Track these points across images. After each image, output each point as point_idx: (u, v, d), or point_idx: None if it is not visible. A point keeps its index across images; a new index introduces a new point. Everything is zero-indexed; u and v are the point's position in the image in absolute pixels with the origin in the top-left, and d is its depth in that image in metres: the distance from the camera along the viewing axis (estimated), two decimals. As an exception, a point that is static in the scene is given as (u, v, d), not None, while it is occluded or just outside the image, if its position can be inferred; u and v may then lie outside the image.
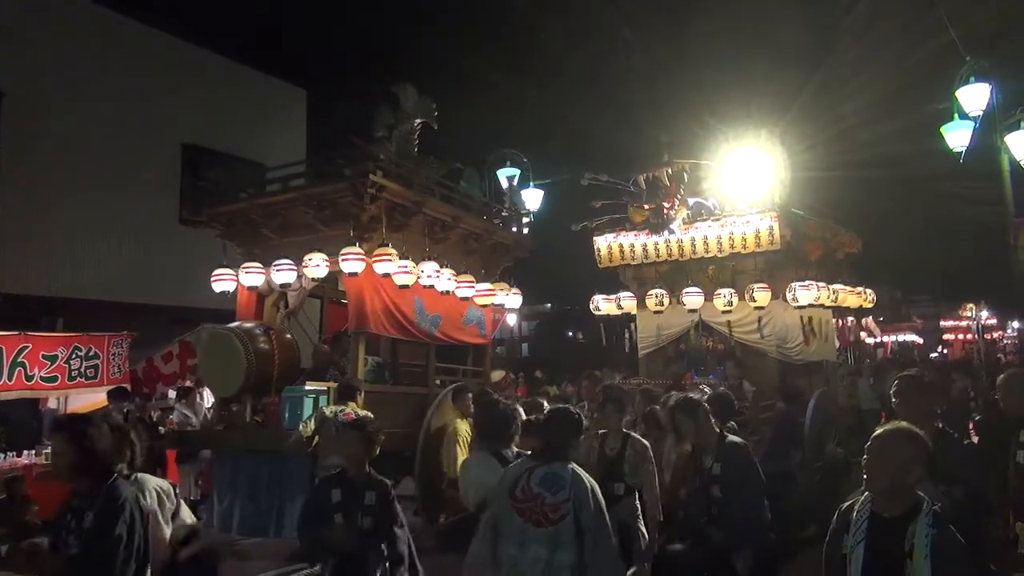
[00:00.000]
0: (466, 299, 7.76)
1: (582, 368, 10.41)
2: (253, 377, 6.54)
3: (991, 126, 8.73)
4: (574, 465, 3.28)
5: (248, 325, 6.96)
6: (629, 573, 4.11)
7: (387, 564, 3.78)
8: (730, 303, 8.89)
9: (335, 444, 5.16)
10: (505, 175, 10.54)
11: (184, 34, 15.30)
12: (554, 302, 37.45)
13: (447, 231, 7.79)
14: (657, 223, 9.24)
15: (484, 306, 8.18)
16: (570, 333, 37.19)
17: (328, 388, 6.45)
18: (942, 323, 33.30)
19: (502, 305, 8.54)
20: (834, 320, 10.86)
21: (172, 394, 10.60)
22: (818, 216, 10.15)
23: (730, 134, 9.01)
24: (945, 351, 31.12)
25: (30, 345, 9.04)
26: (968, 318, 30.29)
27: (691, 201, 9.27)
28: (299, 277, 6.98)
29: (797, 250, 9.35)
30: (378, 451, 3.99)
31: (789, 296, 8.85)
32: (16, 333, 9.05)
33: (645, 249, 9.63)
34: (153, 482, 3.89)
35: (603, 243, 9.96)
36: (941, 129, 8.63)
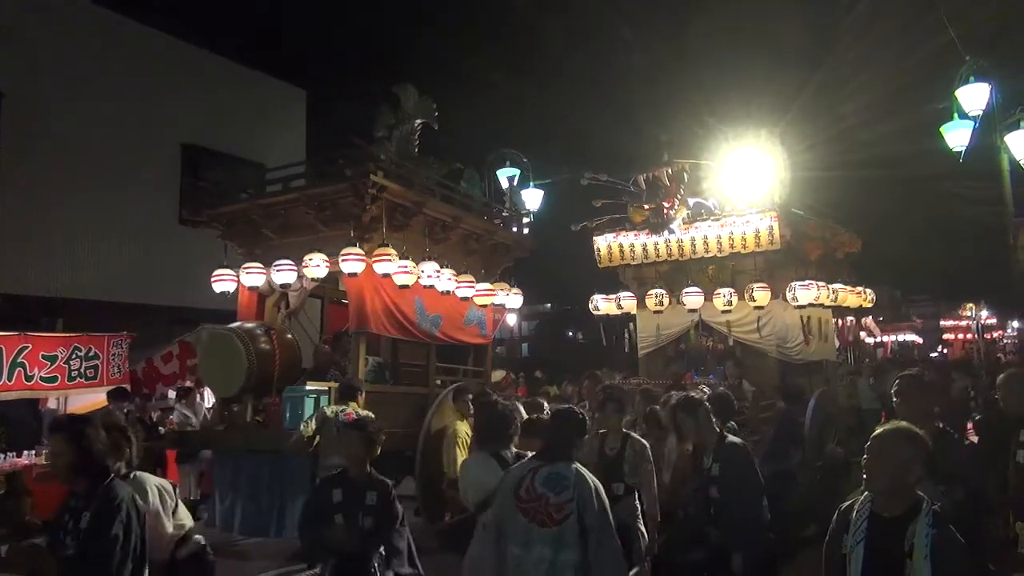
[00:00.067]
0: (466, 299, 7.76)
1: (582, 368, 10.41)
2: (254, 377, 6.55)
3: (991, 126, 8.74)
4: (578, 465, 3.29)
5: (249, 325, 6.96)
6: (631, 573, 4.12)
7: (387, 564, 3.78)
8: (729, 303, 8.89)
9: (336, 444, 5.17)
10: (505, 175, 10.55)
11: (184, 34, 15.30)
12: (554, 302, 37.46)
13: (448, 231, 7.79)
14: (657, 223, 9.25)
15: (484, 306, 8.18)
16: (570, 333, 37.20)
17: (329, 388, 6.46)
18: (942, 323, 33.34)
19: (502, 305, 8.54)
20: (834, 320, 10.87)
21: (172, 394, 10.60)
22: (818, 216, 10.16)
23: (730, 134, 9.02)
24: (945, 351, 31.16)
25: (30, 345, 9.05)
26: (968, 318, 30.33)
27: (691, 201, 9.28)
28: (300, 277, 6.99)
29: (797, 250, 9.36)
30: (379, 451, 3.99)
31: (789, 296, 8.85)
32: (16, 333, 9.06)
33: (645, 249, 9.64)
34: (153, 480, 3.91)
35: (603, 243, 9.97)
36: (941, 129, 8.64)
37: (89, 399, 9.52)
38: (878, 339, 22.44)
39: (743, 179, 8.74)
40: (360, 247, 6.55)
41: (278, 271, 6.76)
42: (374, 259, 6.61)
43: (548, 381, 12.92)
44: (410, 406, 7.22)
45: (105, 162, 13.06)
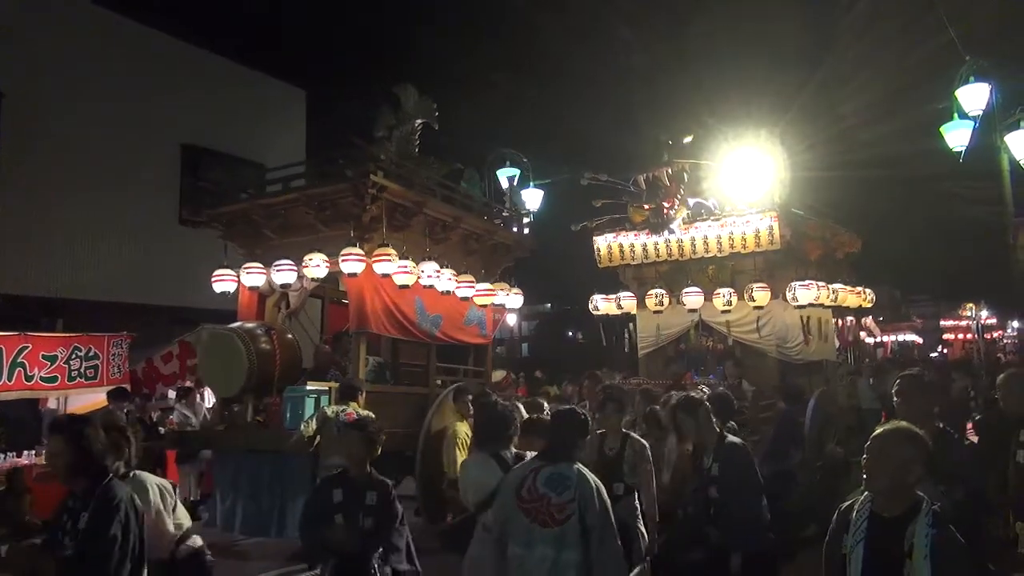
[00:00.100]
0: (466, 299, 7.76)
1: (582, 368, 10.41)
2: (255, 377, 6.55)
3: (991, 126, 8.74)
4: (579, 465, 3.30)
5: (250, 325, 6.97)
6: (632, 574, 4.12)
7: (385, 560, 3.78)
8: (729, 303, 8.90)
9: (337, 444, 5.17)
10: (505, 175, 10.55)
11: (184, 34, 15.31)
12: (554, 302, 37.46)
13: (448, 231, 7.79)
14: (657, 223, 9.25)
15: (484, 306, 8.18)
16: (570, 333, 37.21)
17: (329, 388, 6.46)
18: (942, 323, 33.35)
19: (502, 305, 8.54)
20: (834, 320, 10.87)
21: (172, 394, 10.61)
22: (818, 216, 10.17)
23: (730, 134, 9.02)
24: (945, 351, 31.16)
25: (30, 345, 9.05)
26: (968, 318, 30.34)
27: (691, 201, 9.28)
28: (300, 277, 6.99)
29: (797, 250, 9.36)
30: (379, 451, 4.00)
31: (789, 295, 8.86)
32: (16, 334, 9.06)
33: (645, 249, 9.64)
34: (154, 479, 3.92)
35: (603, 243, 9.97)
36: (941, 129, 8.64)
37: (89, 399, 9.53)
38: (878, 339, 22.45)
39: (743, 179, 8.74)
40: (360, 247, 6.56)
41: (278, 271, 6.77)
42: (374, 259, 6.62)
43: (548, 381, 12.92)
44: (410, 406, 7.22)
45: (105, 162, 13.06)
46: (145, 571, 2.91)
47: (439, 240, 7.66)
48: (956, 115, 8.44)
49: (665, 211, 9.17)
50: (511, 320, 15.65)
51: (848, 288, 10.27)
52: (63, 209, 12.47)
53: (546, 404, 5.96)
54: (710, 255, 9.22)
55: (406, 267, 6.79)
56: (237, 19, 27.82)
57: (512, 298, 8.58)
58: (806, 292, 8.80)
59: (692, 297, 9.07)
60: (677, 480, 5.21)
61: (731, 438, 4.44)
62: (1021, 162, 8.43)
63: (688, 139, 9.44)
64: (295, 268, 6.77)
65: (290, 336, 7.18)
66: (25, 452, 8.57)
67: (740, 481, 4.22)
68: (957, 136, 8.47)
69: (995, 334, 32.75)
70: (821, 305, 9.56)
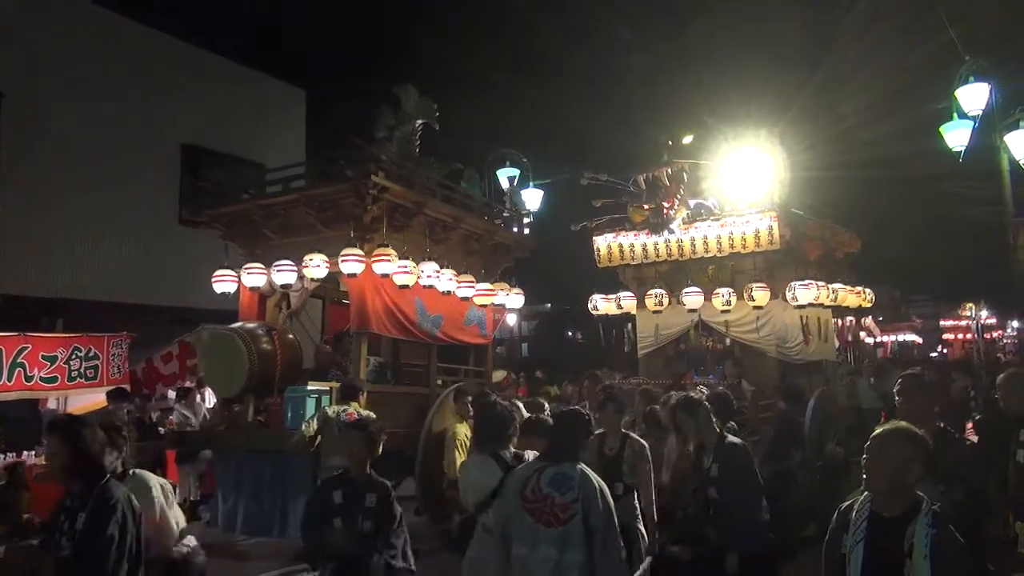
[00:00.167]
0: (467, 299, 7.77)
1: (582, 368, 10.42)
2: (256, 377, 6.56)
3: (990, 126, 8.75)
4: (583, 466, 3.31)
5: (250, 326, 6.97)
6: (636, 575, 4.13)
7: (380, 554, 3.78)
8: (728, 302, 8.90)
9: (338, 444, 5.17)
10: (505, 175, 10.55)
11: (184, 34, 15.30)
12: (554, 302, 37.44)
13: (448, 232, 7.80)
14: (657, 223, 9.26)
15: (484, 306, 8.19)
16: (570, 333, 37.21)
17: (331, 388, 6.47)
18: (942, 323, 33.34)
19: (502, 305, 8.55)
20: (833, 320, 10.88)
21: (171, 395, 10.61)
22: (818, 216, 10.17)
23: (730, 134, 9.03)
24: (945, 351, 31.17)
25: (30, 346, 9.05)
26: (968, 318, 30.33)
27: (692, 203, 9.29)
28: (300, 278, 6.99)
29: (796, 250, 9.37)
30: (380, 451, 4.00)
31: (789, 295, 8.86)
32: (16, 334, 9.06)
33: (645, 249, 9.65)
34: (154, 477, 3.94)
35: (603, 243, 9.98)
36: (940, 129, 8.65)
37: (89, 399, 9.53)
38: (878, 339, 22.45)
39: (743, 179, 8.75)
40: (360, 247, 6.56)
41: (278, 271, 6.77)
42: (374, 259, 6.62)
43: (548, 381, 12.92)
44: (411, 406, 7.23)
45: (105, 162, 13.06)
46: (142, 571, 2.91)
47: (439, 240, 7.67)
48: (956, 115, 8.44)
49: (665, 211, 9.18)
50: (511, 320, 15.67)
51: (848, 288, 10.28)
52: (63, 209, 12.46)
53: (547, 404, 5.96)
54: (710, 255, 9.22)
55: (406, 267, 6.80)
56: (237, 19, 27.84)
57: (513, 298, 8.58)
58: (806, 292, 8.80)
59: (692, 297, 9.07)
60: (677, 480, 5.21)
61: (731, 438, 4.44)
62: (1021, 162, 8.44)
63: (688, 139, 9.45)
64: (295, 268, 6.78)
65: (291, 336, 7.19)
66: (25, 452, 8.57)
67: (739, 481, 4.22)
68: (957, 136, 8.48)
69: (995, 334, 32.75)
70: (821, 305, 9.56)
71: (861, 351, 14.57)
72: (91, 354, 9.66)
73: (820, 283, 9.16)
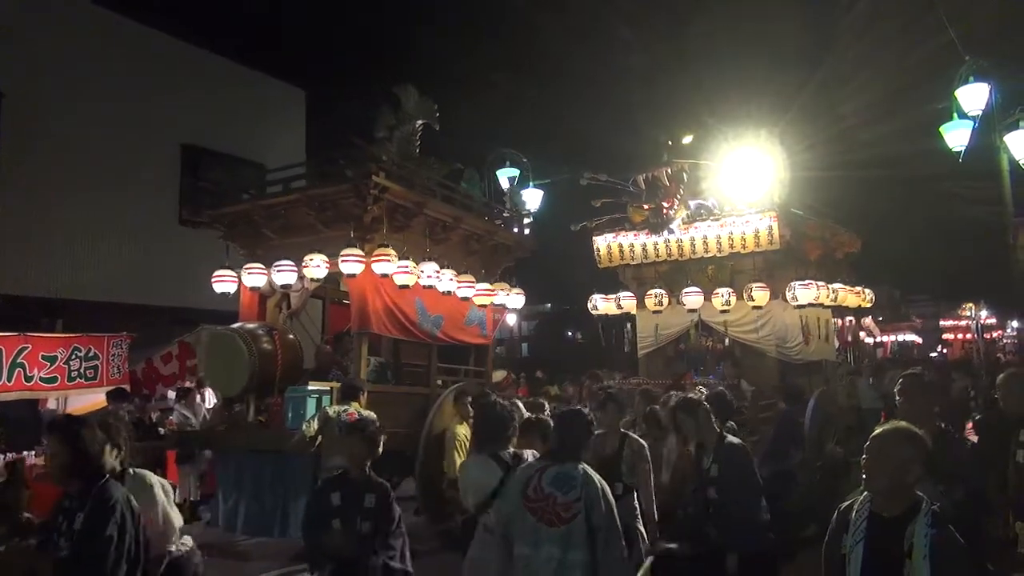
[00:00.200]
0: (467, 299, 7.77)
1: (582, 368, 10.43)
2: (257, 377, 6.56)
3: (990, 126, 8.76)
4: (585, 466, 3.31)
5: (251, 326, 6.98)
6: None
7: (377, 555, 3.78)
8: (728, 302, 8.90)
9: (339, 444, 5.17)
10: (505, 175, 10.56)
11: (184, 34, 15.30)
12: (554, 302, 37.45)
13: (448, 232, 7.80)
14: (657, 223, 9.26)
15: (484, 306, 8.19)
16: (570, 333, 37.21)
17: (331, 388, 6.47)
18: (941, 323, 33.32)
19: (503, 305, 8.55)
20: (833, 320, 10.88)
21: (171, 395, 10.61)
22: (817, 216, 10.18)
23: (730, 134, 9.03)
24: (944, 351, 31.15)
25: (30, 346, 9.05)
26: (967, 317, 30.31)
27: (692, 204, 9.29)
28: (300, 278, 7.00)
29: (796, 250, 9.37)
30: (380, 452, 4.00)
31: (789, 295, 8.87)
32: (16, 334, 9.06)
33: (645, 249, 9.65)
34: (154, 476, 3.94)
35: (603, 243, 9.98)
36: (940, 129, 8.66)
37: (89, 400, 9.53)
38: (877, 339, 22.44)
39: (742, 179, 8.75)
40: (361, 248, 6.57)
41: (278, 271, 6.78)
42: (373, 259, 6.62)
43: (548, 381, 12.93)
44: (412, 406, 7.23)
45: (105, 162, 13.06)
46: (141, 572, 2.90)
47: (440, 240, 7.67)
48: (956, 115, 8.45)
49: (665, 211, 9.19)
50: (511, 320, 15.68)
51: (848, 288, 10.29)
52: (63, 209, 12.46)
53: (547, 404, 5.96)
54: (710, 255, 9.23)
55: (406, 267, 6.80)
56: (237, 19, 27.80)
57: (513, 298, 8.59)
58: (806, 292, 8.81)
59: (692, 297, 9.07)
60: (676, 480, 5.22)
61: (730, 438, 4.44)
62: (1020, 162, 8.45)
63: (688, 139, 9.46)
64: (295, 269, 6.78)
65: (292, 336, 7.19)
66: (25, 452, 8.56)
67: (739, 481, 4.23)
68: (957, 136, 8.49)
69: (995, 334, 32.74)
70: (821, 305, 9.57)
71: (861, 351, 14.58)
72: (91, 354, 9.66)
73: (820, 283, 9.16)
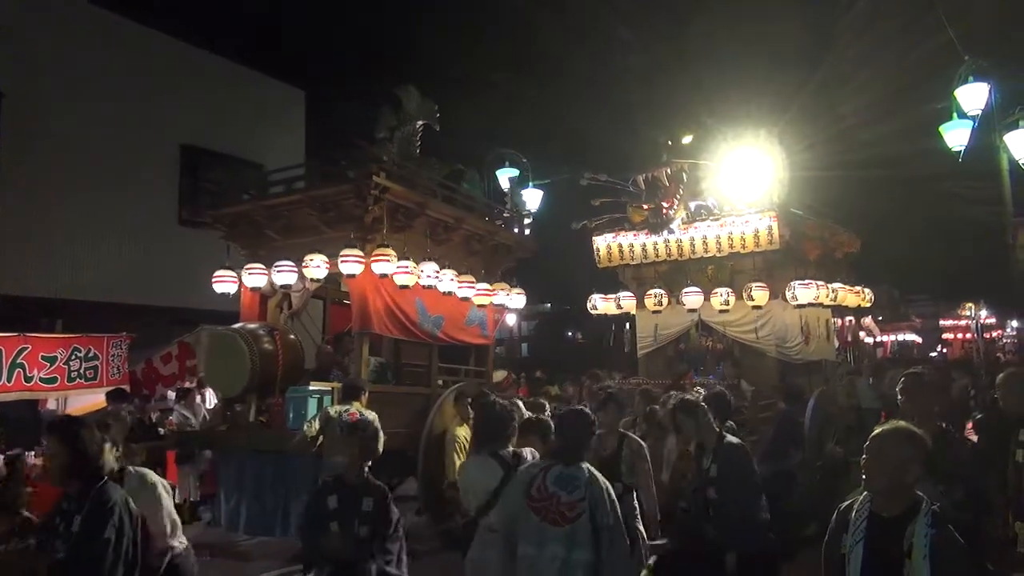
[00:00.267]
0: (467, 300, 7.77)
1: (582, 368, 10.44)
2: (257, 378, 6.57)
3: (990, 125, 8.76)
4: (588, 465, 3.32)
5: (252, 326, 6.98)
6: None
7: (374, 559, 3.78)
8: (727, 302, 8.91)
9: (340, 444, 5.17)
10: (505, 175, 10.56)
11: (184, 34, 15.29)
12: (554, 302, 37.46)
13: (449, 232, 7.80)
14: (656, 223, 9.27)
15: (484, 306, 8.19)
16: (569, 333, 37.21)
17: (332, 388, 6.48)
18: (941, 322, 33.28)
19: (503, 306, 8.56)
20: (833, 320, 10.88)
21: (171, 395, 10.61)
22: (817, 216, 10.18)
23: (729, 134, 9.03)
24: (944, 350, 31.15)
25: (29, 346, 9.04)
26: (967, 317, 30.31)
27: (692, 204, 9.29)
28: (301, 278, 7.00)
29: (796, 250, 9.38)
30: (380, 453, 4.01)
31: (788, 295, 8.87)
32: (15, 334, 9.05)
33: (644, 249, 9.66)
34: (154, 475, 3.95)
35: (602, 243, 9.98)
36: (940, 129, 8.67)
37: (88, 400, 9.53)
38: (877, 339, 22.43)
39: (742, 179, 8.76)
40: (361, 248, 6.57)
41: (279, 272, 6.78)
42: (373, 259, 6.63)
43: (548, 381, 12.93)
44: (412, 406, 7.24)
45: (105, 162, 13.05)
46: (138, 574, 2.90)
47: (440, 241, 7.67)
48: (955, 115, 8.46)
49: (664, 211, 9.19)
50: (511, 320, 15.69)
51: (847, 288, 10.29)
52: (63, 209, 12.45)
53: (547, 404, 5.97)
54: (709, 255, 9.23)
55: (406, 267, 6.80)
56: (237, 19, 27.73)
57: (514, 298, 8.59)
58: (805, 292, 8.81)
59: (691, 297, 9.08)
60: (676, 480, 5.23)
61: (730, 438, 4.45)
62: (1020, 162, 8.45)
63: (687, 139, 9.46)
64: (295, 269, 6.79)
65: (292, 337, 7.20)
66: (25, 453, 8.56)
67: (738, 481, 4.24)
68: (956, 136, 8.50)
69: (994, 334, 32.74)
70: (820, 305, 9.57)
71: (861, 351, 14.58)
72: (91, 355, 9.65)
73: (820, 283, 9.17)
